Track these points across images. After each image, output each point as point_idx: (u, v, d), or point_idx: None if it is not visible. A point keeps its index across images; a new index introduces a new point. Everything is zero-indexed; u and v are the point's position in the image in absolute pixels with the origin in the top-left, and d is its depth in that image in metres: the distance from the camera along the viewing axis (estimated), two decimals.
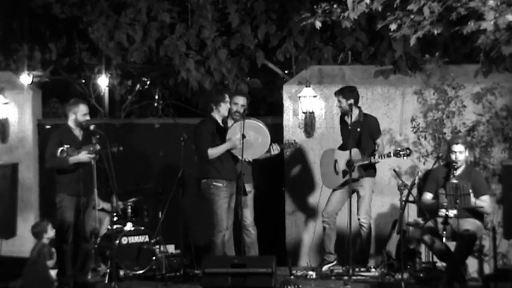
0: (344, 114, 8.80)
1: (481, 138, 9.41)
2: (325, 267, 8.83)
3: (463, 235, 7.80)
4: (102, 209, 9.07)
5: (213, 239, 8.40)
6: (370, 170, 8.73)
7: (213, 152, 8.36)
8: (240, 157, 8.28)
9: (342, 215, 8.82)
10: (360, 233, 8.76)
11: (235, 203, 8.57)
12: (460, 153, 7.99)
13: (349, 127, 8.67)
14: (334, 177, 8.83)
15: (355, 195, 8.73)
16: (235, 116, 8.69)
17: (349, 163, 8.47)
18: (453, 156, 8.00)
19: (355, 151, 8.52)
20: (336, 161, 8.82)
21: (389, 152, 8.61)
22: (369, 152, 8.64)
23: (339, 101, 8.75)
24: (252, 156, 8.55)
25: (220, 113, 8.56)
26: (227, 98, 8.58)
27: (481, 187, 8.04)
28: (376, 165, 9.00)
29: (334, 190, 8.85)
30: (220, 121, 8.57)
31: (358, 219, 8.69)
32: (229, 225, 8.60)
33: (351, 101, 8.70)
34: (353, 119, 8.65)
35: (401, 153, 8.53)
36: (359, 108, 8.78)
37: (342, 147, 8.85)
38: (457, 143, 8.03)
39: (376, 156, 8.59)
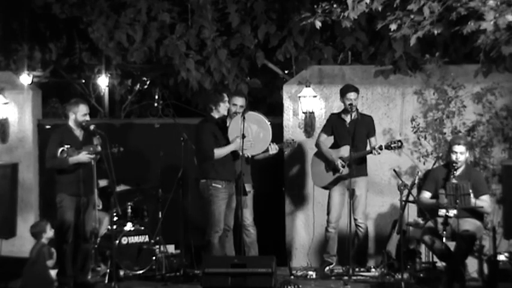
0: (346, 112, 8.77)
1: (481, 138, 9.40)
2: (326, 269, 8.84)
3: (463, 235, 7.79)
4: (103, 208, 9.05)
5: (209, 239, 8.40)
6: (363, 169, 8.72)
7: (219, 152, 8.36)
8: (241, 153, 8.29)
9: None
10: (357, 234, 8.76)
11: (235, 203, 8.58)
12: (461, 153, 7.98)
13: (347, 125, 8.70)
14: (325, 175, 8.84)
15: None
16: (233, 117, 8.68)
17: (350, 159, 8.48)
18: (454, 157, 7.99)
19: (346, 148, 8.56)
20: (326, 159, 8.83)
21: (381, 145, 8.61)
22: (361, 150, 8.67)
23: (355, 99, 8.70)
24: (252, 152, 8.53)
25: (219, 113, 8.56)
26: (226, 98, 8.58)
27: (481, 187, 8.03)
28: (376, 165, 8.97)
29: (330, 193, 8.86)
30: (219, 121, 8.58)
31: (355, 219, 8.69)
32: (231, 226, 8.61)
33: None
34: (352, 117, 8.68)
35: (392, 145, 8.56)
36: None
37: (333, 146, 8.87)
38: (459, 144, 8.01)
39: (367, 149, 8.60)
